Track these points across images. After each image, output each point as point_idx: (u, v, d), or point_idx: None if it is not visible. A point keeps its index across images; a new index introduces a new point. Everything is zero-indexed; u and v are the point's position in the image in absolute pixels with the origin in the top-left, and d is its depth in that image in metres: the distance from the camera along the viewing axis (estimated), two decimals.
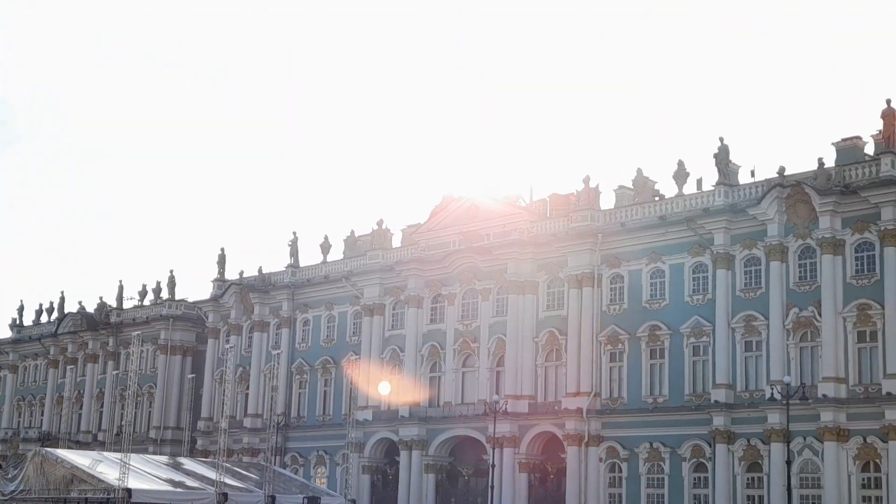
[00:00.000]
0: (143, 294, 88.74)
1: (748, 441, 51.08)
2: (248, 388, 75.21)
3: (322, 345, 72.22)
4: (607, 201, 60.95)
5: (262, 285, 75.94)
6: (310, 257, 75.50)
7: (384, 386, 49.47)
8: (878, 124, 50.30)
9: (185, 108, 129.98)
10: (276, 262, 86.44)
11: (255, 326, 75.72)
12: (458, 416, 62.41)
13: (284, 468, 68.57)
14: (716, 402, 52.05)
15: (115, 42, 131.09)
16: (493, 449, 57.98)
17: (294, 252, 75.61)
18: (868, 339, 48.69)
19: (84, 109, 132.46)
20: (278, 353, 72.20)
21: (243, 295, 76.25)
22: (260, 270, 76.95)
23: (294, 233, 76.16)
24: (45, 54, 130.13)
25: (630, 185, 61.20)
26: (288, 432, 71.91)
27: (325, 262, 73.92)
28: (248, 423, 73.90)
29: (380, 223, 70.31)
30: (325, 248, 74.40)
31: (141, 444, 75.92)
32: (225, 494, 51.81)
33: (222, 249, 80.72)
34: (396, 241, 70.91)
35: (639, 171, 60.71)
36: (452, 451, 64.17)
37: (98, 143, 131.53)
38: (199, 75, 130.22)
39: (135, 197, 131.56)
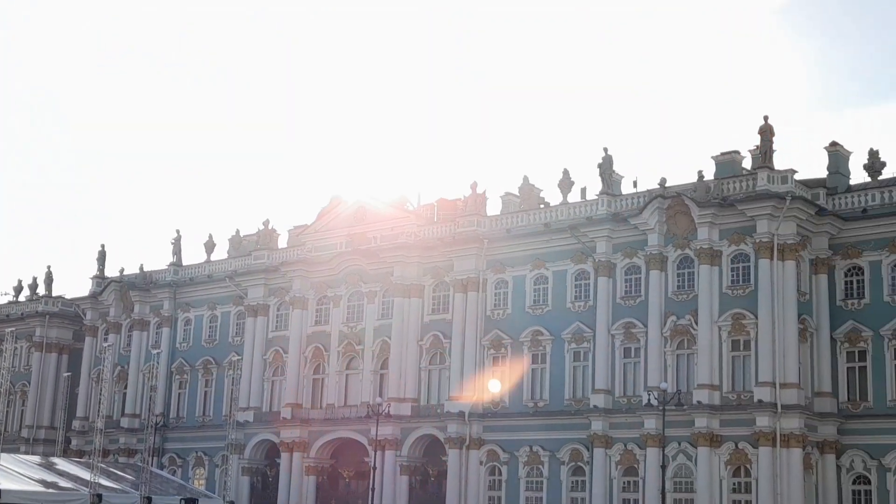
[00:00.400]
0: (18, 290, 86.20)
1: (625, 446, 52.14)
2: (126, 388, 73.68)
3: (203, 345, 71.27)
4: (494, 208, 61.78)
5: (142, 283, 74.54)
6: (194, 256, 74.57)
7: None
8: (756, 139, 51.86)
9: (185, 108, 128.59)
10: (159, 261, 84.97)
11: (135, 325, 74.29)
12: (340, 418, 62.22)
13: (162, 469, 67.39)
14: (595, 406, 53.02)
15: (115, 42, 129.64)
16: (375, 451, 57.99)
17: (177, 250, 74.45)
18: (742, 347, 50.16)
19: (84, 109, 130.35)
20: (158, 353, 70.65)
21: (123, 293, 74.71)
22: (141, 268, 75.52)
23: (177, 230, 75.20)
24: (45, 54, 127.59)
25: (516, 192, 61.99)
26: (166, 433, 70.77)
27: (208, 261, 72.98)
28: (125, 423, 72.39)
29: (266, 223, 69.76)
30: (210, 246, 73.46)
31: (12, 443, 73.61)
32: (99, 496, 50.56)
33: (102, 246, 79.23)
34: (283, 242, 70.46)
35: (525, 178, 61.61)
36: (334, 453, 63.92)
37: (98, 143, 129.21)
38: (199, 75, 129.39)
39: (135, 197, 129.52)
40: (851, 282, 50.83)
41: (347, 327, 63.68)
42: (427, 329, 60.69)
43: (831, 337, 50.50)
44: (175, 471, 68.94)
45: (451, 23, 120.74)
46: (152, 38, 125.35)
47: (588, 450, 53.27)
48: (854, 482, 49.37)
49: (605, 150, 56.16)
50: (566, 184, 58.04)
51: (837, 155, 53.63)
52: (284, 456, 63.65)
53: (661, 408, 47.44)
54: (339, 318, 64.12)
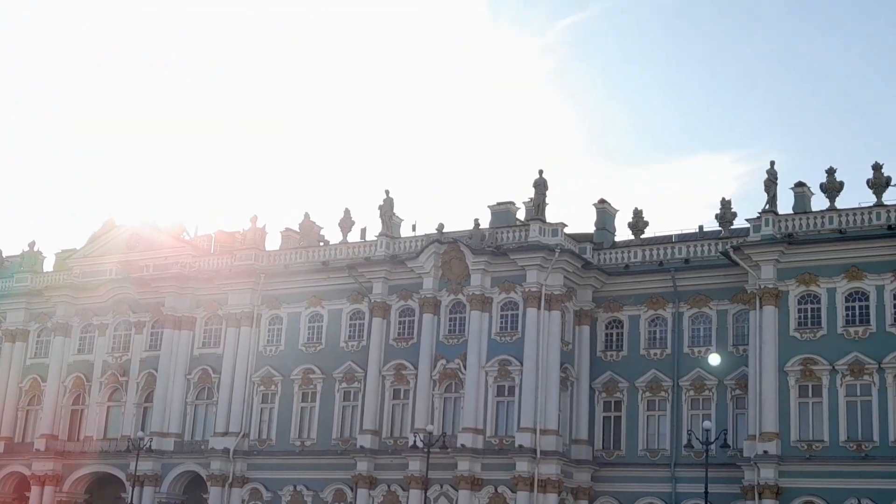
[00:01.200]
0: None
1: (389, 487, 52.30)
2: None
3: None
4: (273, 242, 61.34)
5: None
6: None
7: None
8: (531, 192, 53.60)
9: (185, 108, 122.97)
10: None
11: None
12: (98, 451, 59.79)
13: None
14: (361, 447, 53.03)
15: (115, 42, 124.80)
16: (133, 487, 56.02)
17: None
18: (507, 393, 51.35)
19: (84, 109, 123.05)
20: None
21: None
22: None
23: None
24: (45, 54, 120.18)
25: (297, 228, 61.76)
26: None
27: None
28: None
29: (31, 245, 66.90)
30: None
31: None
32: None
33: None
34: (49, 265, 67.61)
35: (306, 215, 61.50)
36: (89, 487, 61.29)
37: (98, 143, 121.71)
38: (199, 75, 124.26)
39: (135, 197, 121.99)
40: (612, 334, 53.08)
41: (112, 357, 61.53)
42: (196, 363, 59.40)
43: (590, 386, 52.49)
44: None
45: (453, 22, 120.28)
46: (152, 38, 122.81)
47: (352, 490, 53.15)
48: None
49: (387, 192, 56.90)
50: (347, 223, 58.31)
51: (605, 212, 56.20)
52: (35, 489, 60.53)
53: (425, 450, 47.93)
54: (104, 348, 61.94)
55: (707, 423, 44.22)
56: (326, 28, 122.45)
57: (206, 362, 59.07)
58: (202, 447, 57.42)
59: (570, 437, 51.67)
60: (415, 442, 50.36)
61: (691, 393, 50.52)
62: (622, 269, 53.08)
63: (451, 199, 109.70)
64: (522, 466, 49.05)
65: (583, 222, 58.23)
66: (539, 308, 50.68)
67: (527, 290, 51.07)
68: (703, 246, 51.93)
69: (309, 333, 57.25)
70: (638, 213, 54.51)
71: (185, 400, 59.15)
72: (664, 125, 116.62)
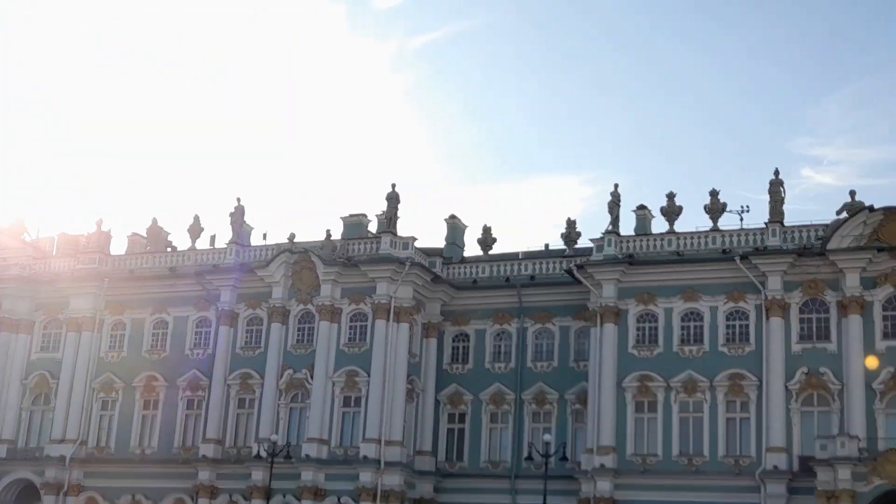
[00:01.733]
0: None
1: (230, 497, 51.78)
2: None
3: None
4: (119, 247, 60.12)
5: None
6: None
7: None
8: (384, 205, 54.06)
9: (185, 108, 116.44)
10: None
11: None
12: None
13: None
14: (203, 456, 52.38)
15: (115, 42, 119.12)
16: None
17: None
18: (353, 404, 51.52)
19: (84, 109, 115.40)
20: None
21: None
22: None
23: None
24: (45, 54, 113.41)
25: (144, 233, 60.65)
26: None
27: None
28: None
29: None
30: None
31: None
32: None
33: None
34: None
35: (154, 220, 60.42)
36: None
37: (98, 143, 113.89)
38: (199, 75, 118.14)
39: (134, 196, 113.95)
40: (458, 347, 53.92)
41: None
42: (33, 367, 57.71)
43: (436, 398, 53.19)
44: None
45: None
46: (152, 38, 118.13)
47: (193, 500, 52.40)
48: None
49: (238, 199, 56.59)
50: (196, 229, 57.59)
51: (455, 227, 57.20)
52: None
53: (269, 460, 47.71)
54: None
55: (547, 437, 45.46)
56: (327, 28, 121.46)
57: (43, 367, 57.40)
58: (37, 454, 55.75)
59: (415, 449, 52.19)
60: (258, 451, 50.04)
61: (533, 406, 51.72)
62: (470, 284, 54.02)
63: (303, 210, 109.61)
64: (366, 477, 49.28)
65: (433, 237, 59.08)
66: (388, 320, 51.10)
67: (376, 301, 51.44)
68: (548, 264, 53.32)
69: (153, 340, 56.33)
70: (487, 230, 55.64)
71: (20, 405, 57.30)
72: (516, 145, 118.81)
